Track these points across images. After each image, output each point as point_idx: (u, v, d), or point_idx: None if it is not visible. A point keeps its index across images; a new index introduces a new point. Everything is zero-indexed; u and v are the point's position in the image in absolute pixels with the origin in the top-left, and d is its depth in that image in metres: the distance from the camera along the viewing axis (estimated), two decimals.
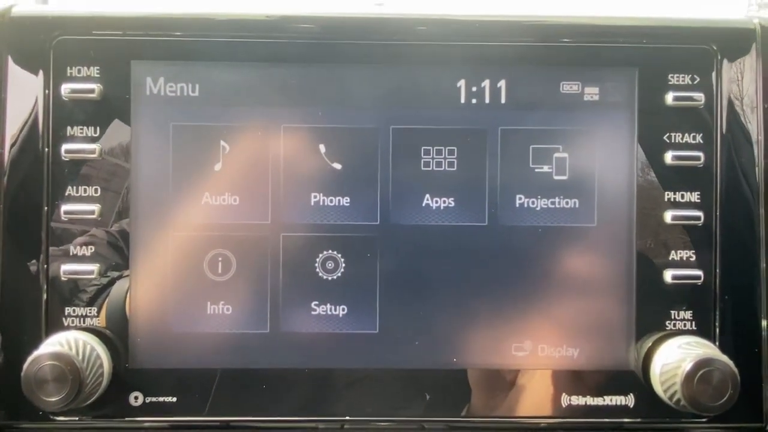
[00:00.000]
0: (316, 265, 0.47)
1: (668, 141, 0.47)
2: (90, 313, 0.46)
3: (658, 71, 0.47)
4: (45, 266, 0.46)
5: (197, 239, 0.47)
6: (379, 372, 0.47)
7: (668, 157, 0.47)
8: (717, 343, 0.46)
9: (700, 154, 0.47)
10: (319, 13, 0.48)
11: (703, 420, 0.47)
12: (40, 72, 0.46)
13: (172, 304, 0.47)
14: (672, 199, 0.47)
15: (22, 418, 0.46)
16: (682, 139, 0.47)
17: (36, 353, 0.41)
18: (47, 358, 0.41)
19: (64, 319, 0.46)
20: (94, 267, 0.46)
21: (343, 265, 0.47)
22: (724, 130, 0.47)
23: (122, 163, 0.46)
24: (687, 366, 0.42)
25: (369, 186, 0.47)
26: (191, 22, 0.47)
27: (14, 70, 0.46)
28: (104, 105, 0.46)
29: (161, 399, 0.46)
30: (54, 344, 0.42)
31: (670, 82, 0.47)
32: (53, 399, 0.41)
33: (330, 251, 0.47)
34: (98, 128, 0.46)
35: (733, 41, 0.48)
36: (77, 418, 0.46)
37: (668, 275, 0.47)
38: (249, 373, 0.47)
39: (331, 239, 0.47)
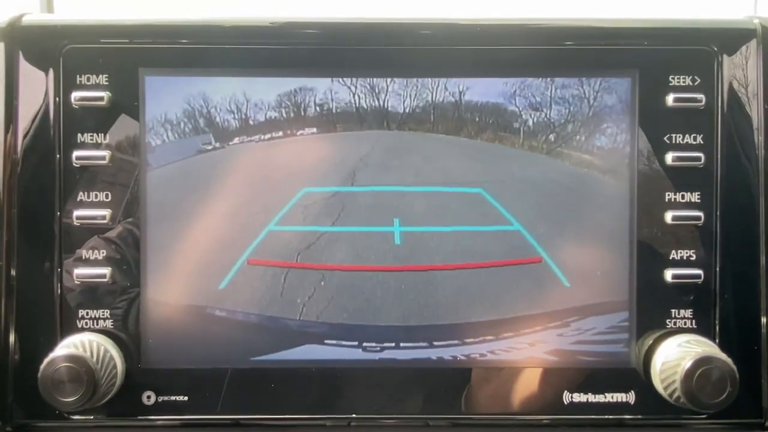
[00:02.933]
0: None
1: (669, 142, 0.48)
2: (103, 315, 0.47)
3: (659, 72, 0.47)
4: (58, 270, 0.47)
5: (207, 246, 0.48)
6: (385, 370, 0.48)
7: (669, 157, 0.47)
8: (717, 341, 0.47)
9: (701, 154, 0.47)
10: (322, 18, 0.49)
11: (703, 416, 0.48)
12: (51, 80, 0.47)
13: (183, 306, 0.48)
14: (672, 200, 0.48)
15: (39, 418, 0.48)
16: (682, 139, 0.48)
17: (52, 355, 0.43)
18: (63, 360, 0.42)
19: (77, 321, 0.47)
20: (106, 270, 0.47)
21: None
22: (724, 131, 0.47)
23: (132, 169, 0.47)
24: (686, 364, 0.43)
25: None
26: (197, 29, 0.48)
27: (25, 78, 0.47)
28: (113, 112, 0.47)
29: (173, 398, 0.48)
30: (69, 346, 0.44)
31: (670, 84, 0.47)
32: (69, 399, 0.42)
33: None
34: (108, 135, 0.47)
35: (733, 42, 0.48)
36: (92, 417, 0.48)
37: (669, 274, 0.47)
38: (258, 373, 0.48)
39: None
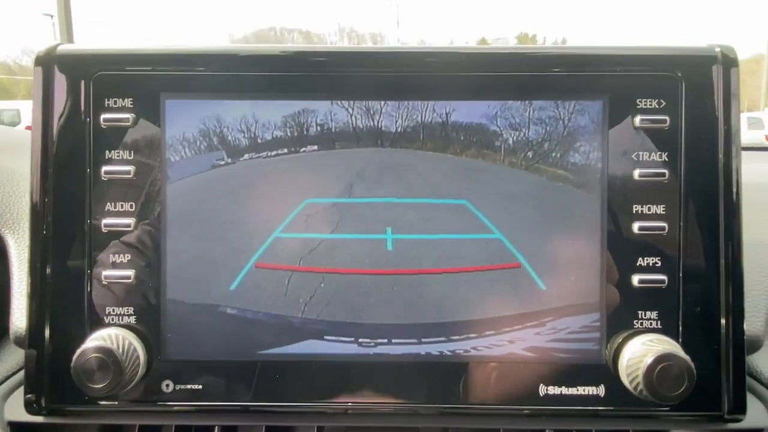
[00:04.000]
0: None
1: (636, 159, 0.52)
2: (127, 312, 0.52)
3: (628, 96, 0.52)
4: (88, 272, 0.52)
5: (219, 251, 0.53)
6: (378, 364, 0.53)
7: (636, 173, 0.52)
8: (680, 341, 0.51)
9: (665, 171, 0.52)
10: (323, 48, 0.53)
11: (666, 408, 0.52)
12: (82, 102, 0.52)
13: (198, 305, 0.53)
14: (639, 211, 0.52)
15: (70, 402, 0.53)
16: (649, 157, 0.52)
17: (83, 347, 0.48)
18: (93, 351, 0.48)
19: (105, 317, 0.52)
20: (131, 272, 0.52)
21: None
22: (687, 150, 0.52)
23: (154, 183, 0.53)
24: (648, 360, 0.47)
25: None
26: (213, 58, 0.53)
27: (59, 101, 0.53)
28: (137, 132, 0.52)
29: (189, 386, 0.53)
30: (98, 339, 0.49)
31: (638, 106, 0.52)
32: (98, 386, 0.47)
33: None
34: (133, 152, 0.52)
35: (696, 68, 0.52)
36: (117, 402, 0.53)
37: (635, 279, 0.52)
38: (264, 365, 0.53)
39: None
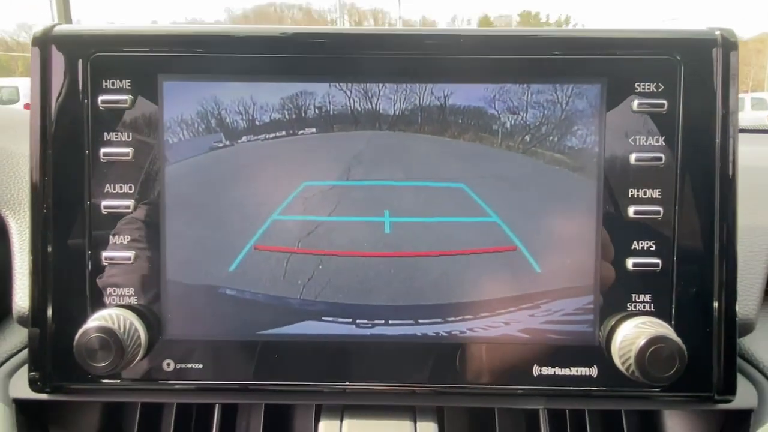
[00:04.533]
0: None
1: (633, 143, 0.52)
2: (128, 292, 0.53)
3: (626, 79, 0.52)
4: (89, 253, 0.53)
5: (218, 233, 0.54)
6: (375, 344, 0.54)
7: (632, 157, 0.52)
8: (673, 324, 0.52)
9: (662, 155, 0.52)
10: (322, 30, 0.53)
11: (658, 389, 0.53)
12: (80, 84, 0.52)
13: (197, 286, 0.54)
14: (635, 195, 0.52)
15: (73, 381, 0.54)
16: (645, 141, 0.52)
17: (85, 327, 0.49)
18: (94, 331, 0.48)
19: (106, 297, 0.53)
20: (131, 253, 0.53)
21: None
22: (684, 134, 0.52)
23: (153, 164, 0.53)
24: (641, 342, 0.48)
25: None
26: (210, 39, 0.52)
27: (57, 82, 0.52)
28: (136, 113, 0.52)
29: (190, 365, 0.54)
30: (99, 319, 0.50)
31: (636, 90, 0.52)
32: (100, 365, 0.48)
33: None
34: (131, 134, 0.53)
35: (696, 51, 0.51)
36: (119, 381, 0.54)
37: (630, 263, 0.52)
38: (263, 345, 0.54)
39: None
